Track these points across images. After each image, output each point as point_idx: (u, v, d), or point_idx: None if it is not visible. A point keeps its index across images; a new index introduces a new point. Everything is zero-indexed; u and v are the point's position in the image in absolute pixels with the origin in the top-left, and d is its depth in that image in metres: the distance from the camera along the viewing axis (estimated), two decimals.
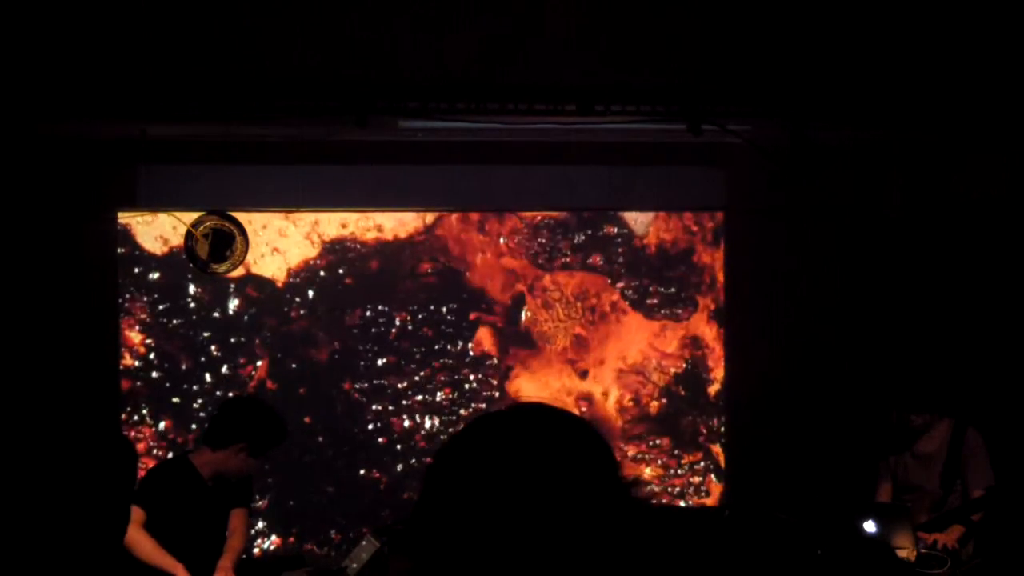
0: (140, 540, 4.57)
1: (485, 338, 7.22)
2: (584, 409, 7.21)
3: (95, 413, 6.47)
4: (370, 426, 7.14)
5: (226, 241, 6.31)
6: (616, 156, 6.75)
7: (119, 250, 6.84)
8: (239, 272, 6.75)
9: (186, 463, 4.86)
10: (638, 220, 7.27)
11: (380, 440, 7.17)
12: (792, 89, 5.33)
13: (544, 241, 7.24)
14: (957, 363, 6.29)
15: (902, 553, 4.79)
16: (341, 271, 7.10)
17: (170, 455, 6.47)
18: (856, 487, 5.86)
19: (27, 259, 6.53)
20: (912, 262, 6.89)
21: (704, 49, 5.18)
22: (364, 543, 5.46)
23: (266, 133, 6.01)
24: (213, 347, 7.00)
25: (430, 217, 7.12)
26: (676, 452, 7.36)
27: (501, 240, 7.21)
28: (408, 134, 6.09)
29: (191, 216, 6.47)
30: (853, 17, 5.13)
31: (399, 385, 7.17)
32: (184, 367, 6.99)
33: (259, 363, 7.05)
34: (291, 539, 7.07)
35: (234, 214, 6.50)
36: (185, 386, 7.00)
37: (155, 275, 6.95)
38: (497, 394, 7.23)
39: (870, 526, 4.91)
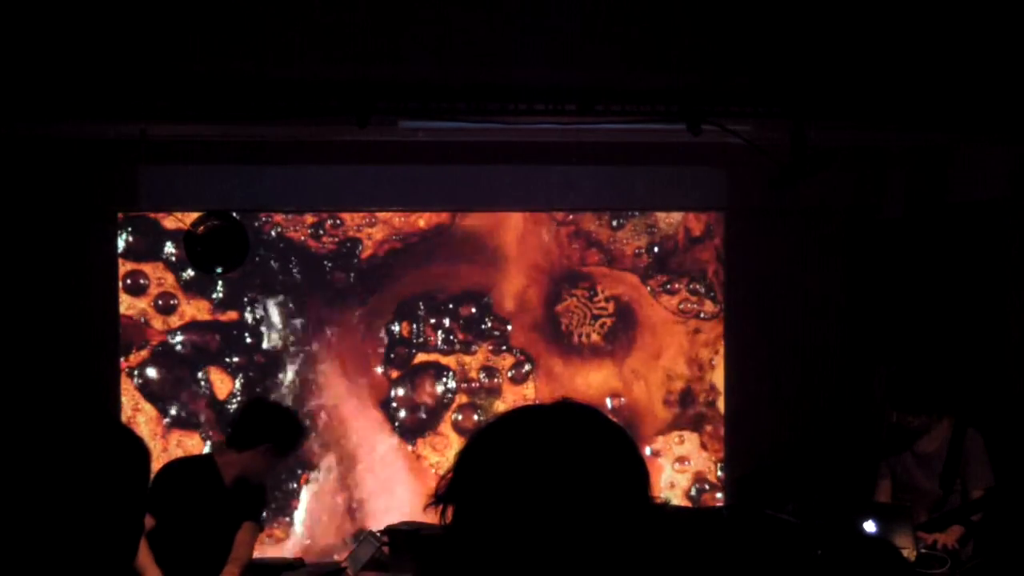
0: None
1: (514, 334, 7.24)
2: (610, 405, 7.22)
3: (100, 413, 6.46)
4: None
5: (226, 241, 6.29)
6: (616, 156, 6.75)
7: None
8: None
9: (211, 463, 4.85)
10: (669, 218, 7.28)
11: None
12: (792, 89, 5.33)
13: (575, 237, 7.25)
14: (957, 363, 6.29)
15: (902, 553, 4.78)
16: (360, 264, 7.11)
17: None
18: (856, 487, 5.86)
19: (27, 259, 6.53)
20: (912, 262, 6.89)
21: (704, 49, 5.17)
22: (364, 543, 5.46)
23: (266, 133, 6.00)
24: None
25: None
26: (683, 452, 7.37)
27: (533, 234, 7.22)
28: (408, 134, 6.08)
29: (191, 216, 6.47)
30: (853, 17, 5.13)
31: (429, 377, 7.20)
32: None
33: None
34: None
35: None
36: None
37: None
38: (527, 390, 7.25)
39: (870, 526, 4.91)
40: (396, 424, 7.19)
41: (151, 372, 6.99)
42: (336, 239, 7.10)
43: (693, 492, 7.37)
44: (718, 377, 7.34)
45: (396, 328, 7.16)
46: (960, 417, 5.33)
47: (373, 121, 5.27)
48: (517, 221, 7.21)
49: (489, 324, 7.22)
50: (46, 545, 1.60)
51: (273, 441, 4.80)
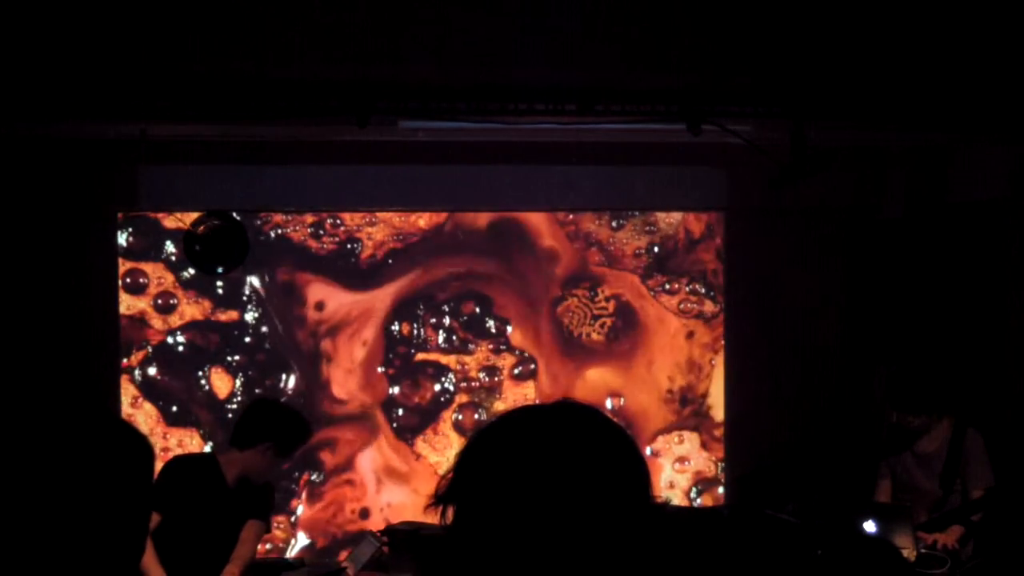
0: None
1: (515, 335, 7.23)
2: (610, 405, 7.23)
3: (101, 411, 6.46)
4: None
5: (226, 241, 6.28)
6: (616, 156, 6.75)
7: None
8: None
9: (212, 461, 4.86)
10: (669, 218, 7.28)
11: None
12: (792, 89, 5.33)
13: (575, 237, 7.25)
14: (957, 363, 6.29)
15: (902, 553, 4.78)
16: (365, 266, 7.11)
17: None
18: (856, 487, 5.86)
19: (27, 259, 6.53)
20: (912, 262, 6.89)
21: (704, 49, 5.17)
22: (364, 543, 5.46)
23: (266, 133, 6.01)
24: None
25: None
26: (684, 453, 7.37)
27: (535, 234, 7.22)
28: (408, 134, 6.08)
29: (191, 216, 6.47)
30: (853, 17, 5.13)
31: (429, 376, 7.20)
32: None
33: None
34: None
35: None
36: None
37: None
38: (527, 390, 7.24)
39: (870, 526, 4.91)
40: (396, 424, 7.19)
41: (151, 371, 6.99)
42: (336, 239, 7.10)
43: (693, 492, 7.37)
44: (718, 377, 7.33)
45: (396, 328, 7.16)
46: (960, 417, 5.33)
47: (373, 121, 5.27)
48: (518, 221, 7.20)
49: (489, 323, 7.22)
50: (53, 546, 1.60)
51: (274, 440, 4.81)
